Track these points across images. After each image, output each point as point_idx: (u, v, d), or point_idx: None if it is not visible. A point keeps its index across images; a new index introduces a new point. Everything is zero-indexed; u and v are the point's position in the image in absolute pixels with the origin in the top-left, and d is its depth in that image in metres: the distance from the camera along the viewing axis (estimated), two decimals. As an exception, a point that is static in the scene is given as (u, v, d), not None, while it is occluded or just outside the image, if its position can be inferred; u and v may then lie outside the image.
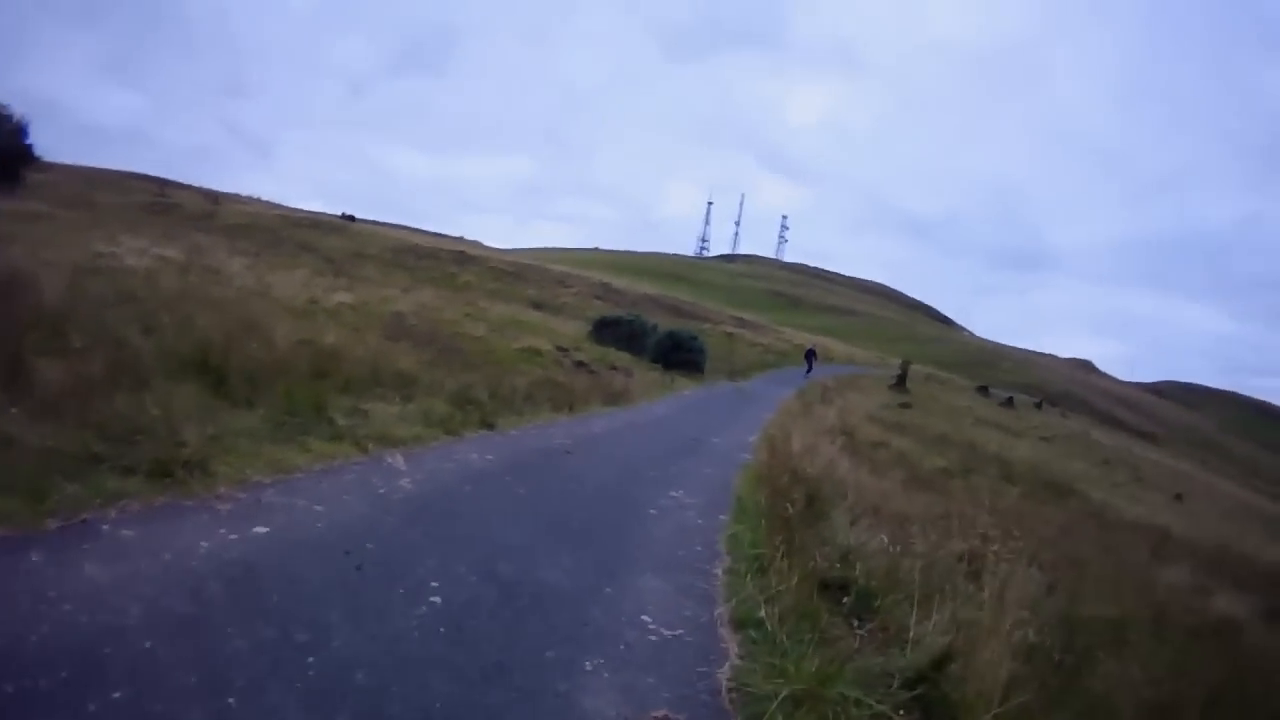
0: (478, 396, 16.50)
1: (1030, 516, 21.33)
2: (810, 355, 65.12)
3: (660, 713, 5.88)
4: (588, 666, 6.29)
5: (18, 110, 39.66)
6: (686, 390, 34.15)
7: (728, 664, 6.84)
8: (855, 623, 8.21)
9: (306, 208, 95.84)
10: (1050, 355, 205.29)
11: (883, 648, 7.45)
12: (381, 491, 9.50)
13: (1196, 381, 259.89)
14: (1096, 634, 11.98)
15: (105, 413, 8.46)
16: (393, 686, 5.31)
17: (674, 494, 13.31)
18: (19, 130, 39.55)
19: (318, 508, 8.34)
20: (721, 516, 12.28)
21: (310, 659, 5.37)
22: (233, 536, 7.07)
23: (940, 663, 6.97)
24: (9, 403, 8.11)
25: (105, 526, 6.66)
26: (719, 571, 9.43)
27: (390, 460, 10.93)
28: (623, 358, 35.29)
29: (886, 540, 10.82)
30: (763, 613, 7.76)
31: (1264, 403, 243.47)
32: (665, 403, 28.04)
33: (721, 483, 15.10)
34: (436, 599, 6.75)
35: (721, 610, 8.03)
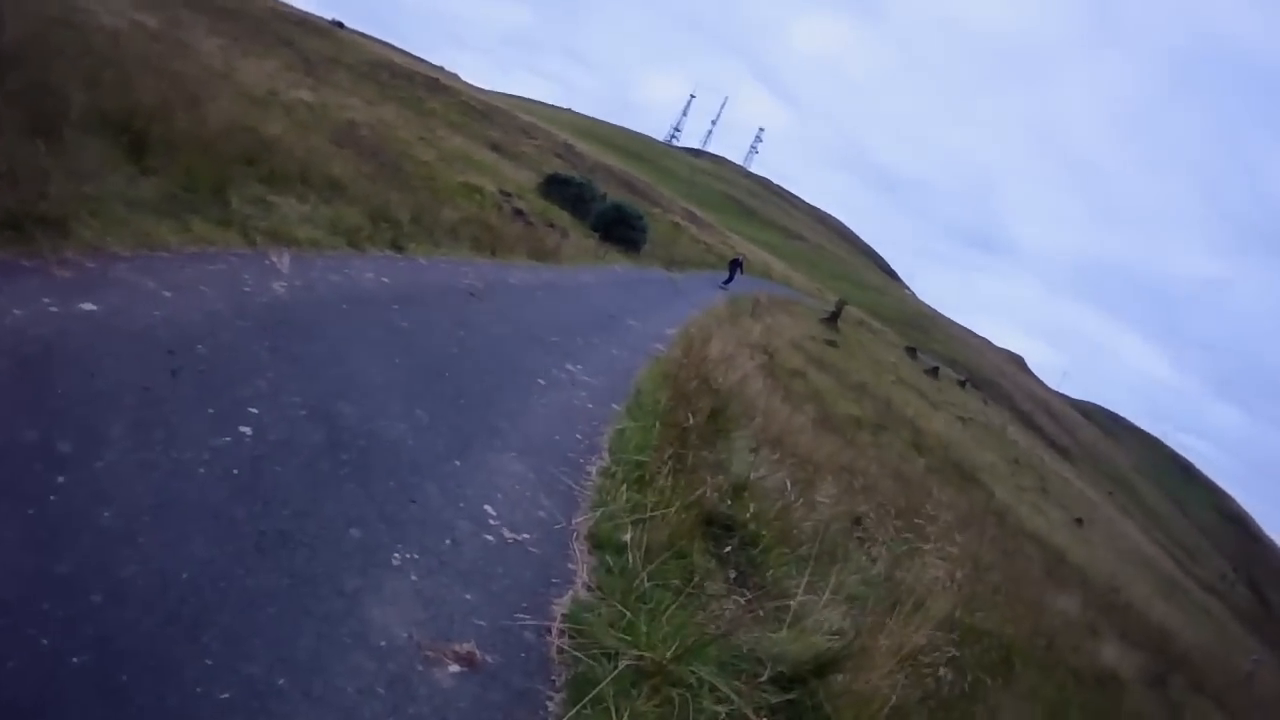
0: (397, 216, 15.43)
1: (933, 496, 21.09)
2: (735, 265, 55.01)
3: (465, 647, 4.88)
4: (395, 560, 5.33)
5: None
6: (618, 266, 32.98)
7: (569, 594, 5.90)
8: (732, 574, 7.50)
9: (299, 5, 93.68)
10: (985, 340, 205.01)
11: (759, 619, 6.66)
12: (247, 290, 8.58)
13: (1123, 415, 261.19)
14: (987, 653, 11.57)
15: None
16: (141, 536, 4.34)
17: (571, 367, 12.41)
18: None
19: (165, 294, 7.43)
20: (615, 406, 11.38)
21: (60, 478, 4.43)
22: (53, 309, 6.17)
23: (824, 667, 6.15)
24: None
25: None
26: (593, 470, 8.46)
27: (274, 259, 9.94)
28: (563, 218, 34.13)
29: (785, 482, 10.25)
30: (629, 536, 6.85)
31: (1183, 458, 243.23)
32: (593, 272, 26.84)
33: (626, 369, 14.19)
34: (246, 429, 5.80)
35: (582, 520, 7.12)
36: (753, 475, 9.79)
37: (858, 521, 12.69)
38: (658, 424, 10.71)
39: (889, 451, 25.65)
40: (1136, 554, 63.20)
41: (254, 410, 6.08)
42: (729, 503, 8.49)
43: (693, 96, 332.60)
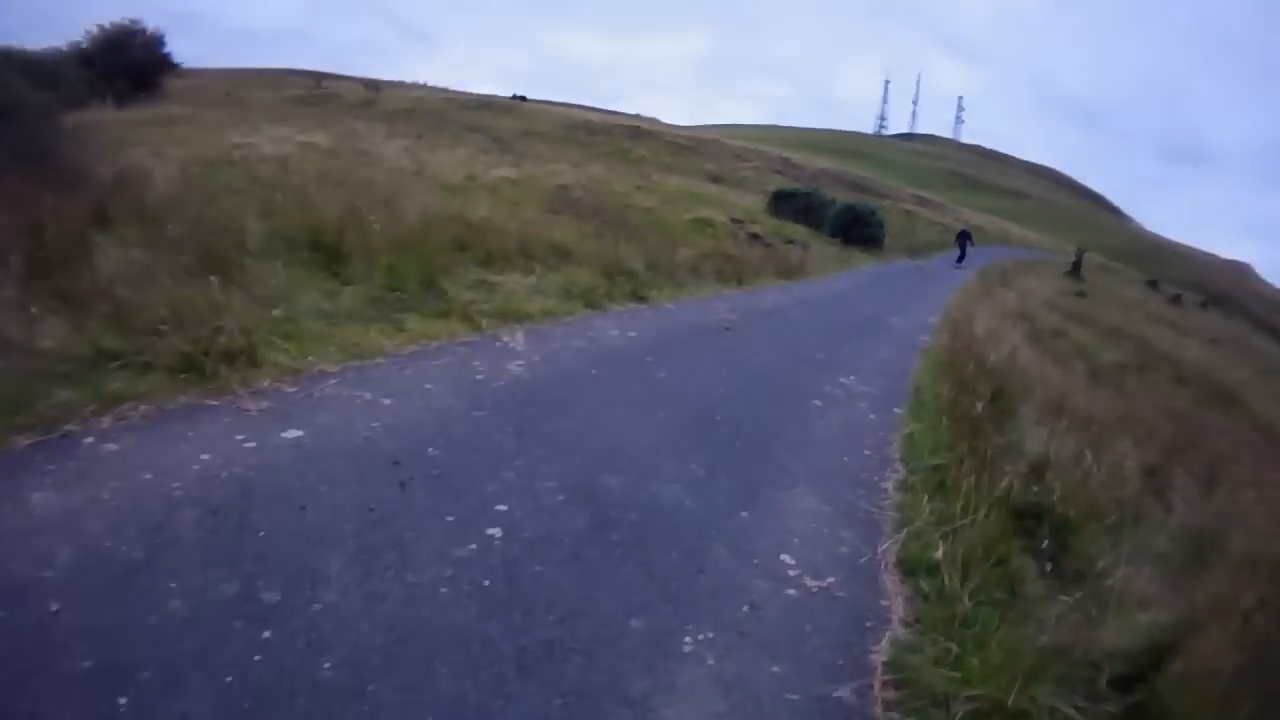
0: (631, 266, 14.71)
1: (1206, 425, 20.15)
2: (964, 238, 49.37)
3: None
4: (686, 646, 4.39)
5: (152, 25, 39.52)
6: (865, 266, 32.33)
7: (886, 636, 4.94)
8: (1049, 566, 6.39)
9: (477, 90, 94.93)
10: (1210, 254, 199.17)
11: (1084, 613, 5.57)
12: (480, 378, 7.86)
13: None
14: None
15: (147, 302, 6.93)
16: (371, 684, 3.53)
17: (844, 380, 11.35)
18: (154, 42, 39.37)
19: (385, 401, 6.78)
20: (897, 410, 10.33)
21: (266, 633, 3.68)
22: (248, 445, 5.50)
23: (1159, 656, 5.00)
24: (27, 301, 6.66)
25: (89, 440, 5.23)
26: (889, 486, 7.48)
27: (506, 339, 9.33)
28: (799, 231, 33.72)
29: (1079, 450, 9.23)
30: (939, 553, 5.83)
31: None
32: (842, 278, 26.09)
33: (899, 369, 13.17)
34: (495, 531, 4.99)
35: (888, 546, 6.08)
36: (1046, 449, 8.82)
37: (1151, 473, 11.50)
38: (944, 419, 9.81)
39: (1156, 391, 24.23)
40: None
41: (502, 507, 5.33)
42: (1034, 489, 7.39)
43: (888, 81, 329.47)
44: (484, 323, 9.68)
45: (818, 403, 9.85)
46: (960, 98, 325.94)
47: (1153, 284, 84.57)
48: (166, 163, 14.08)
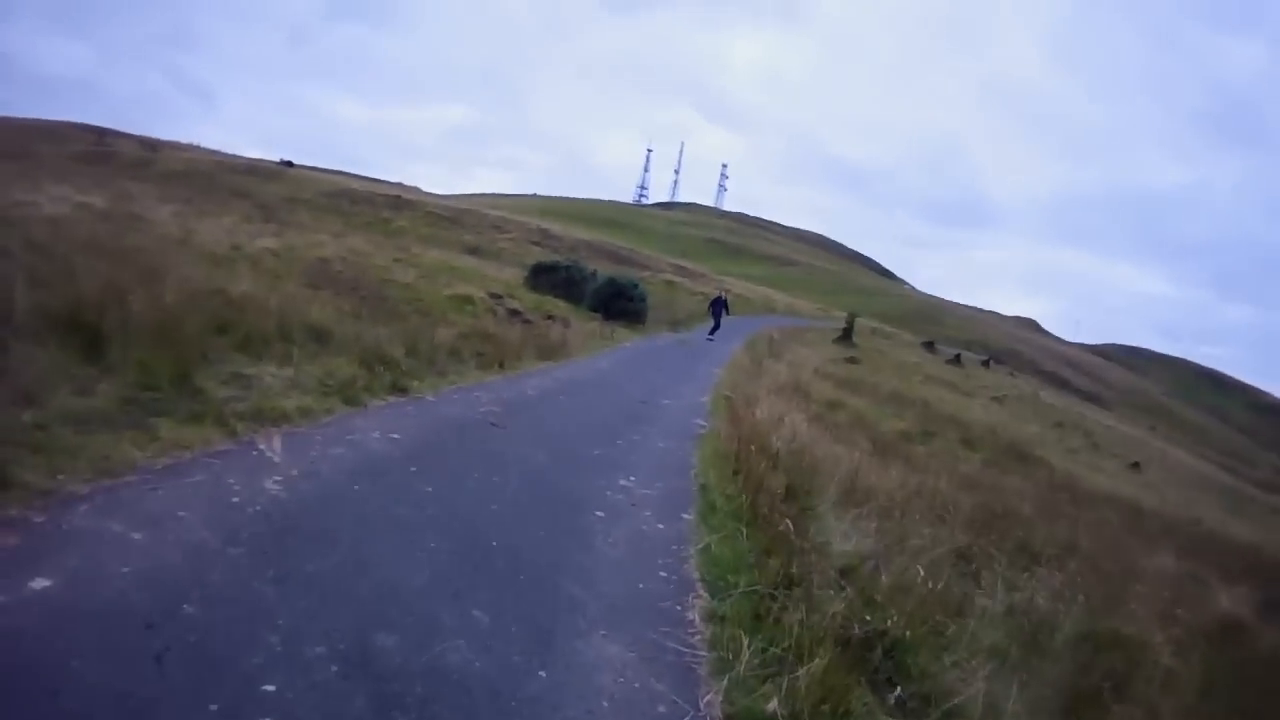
0: (391, 354, 13.97)
1: (1004, 490, 21.18)
2: (718, 306, 45.37)
3: None
4: None
5: None
6: (628, 342, 31.98)
7: None
8: (893, 698, 6.16)
9: (250, 155, 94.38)
10: (993, 313, 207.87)
11: None
12: (235, 501, 6.98)
13: (1141, 345, 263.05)
14: (1132, 662, 10.59)
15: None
16: None
17: (624, 482, 10.81)
18: None
19: (135, 536, 5.94)
20: (686, 515, 9.85)
21: None
22: None
23: None
24: None
25: None
26: (696, 617, 6.91)
27: (263, 447, 8.34)
28: (560, 306, 33.35)
29: (887, 546, 9.31)
30: (773, 705, 5.43)
31: (1209, 369, 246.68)
32: (606, 356, 25.63)
33: (679, 462, 12.78)
34: None
35: (710, 698, 5.63)
36: (854, 546, 9.00)
37: (964, 557, 11.74)
38: (742, 527, 9.34)
39: (946, 458, 25.11)
40: (1196, 477, 63.56)
41: (270, 687, 4.55)
42: (866, 617, 7.12)
43: (650, 150, 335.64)
44: (240, 426, 8.75)
45: (600, 513, 9.27)
46: (724, 165, 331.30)
47: (930, 345, 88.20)
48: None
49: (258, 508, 6.95)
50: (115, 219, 22.19)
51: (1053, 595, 10.67)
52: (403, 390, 12.83)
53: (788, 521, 8.57)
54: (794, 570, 7.64)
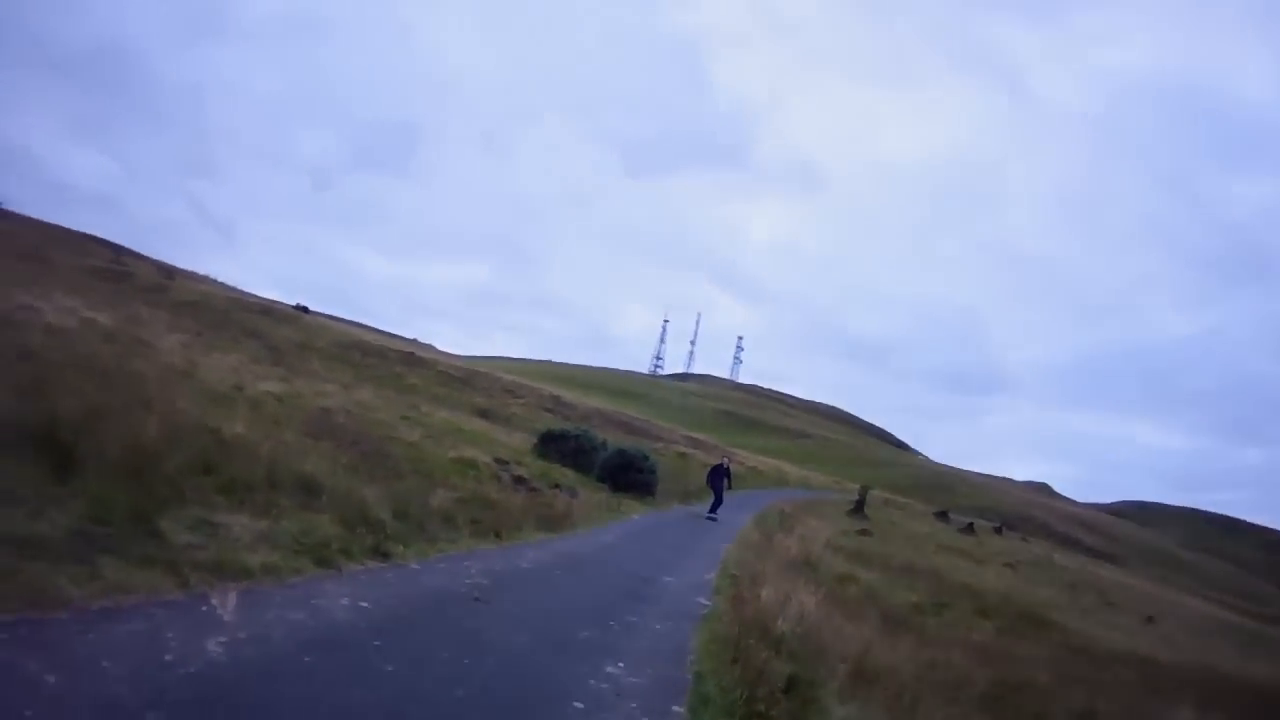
0: (378, 515, 13.12)
1: (1019, 659, 20.87)
2: (719, 477, 39.01)
3: None
4: None
5: None
6: (636, 514, 31.00)
7: None
8: None
9: (264, 294, 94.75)
10: (1006, 479, 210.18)
11: None
12: (168, 659, 6.16)
13: (1153, 499, 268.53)
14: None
15: None
16: None
17: (611, 669, 9.61)
18: None
19: (49, 679, 5.29)
20: (676, 709, 8.77)
21: None
22: None
23: None
24: None
25: None
26: None
27: (215, 602, 7.46)
28: (568, 475, 32.52)
29: None
30: None
31: (1221, 515, 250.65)
32: (612, 529, 24.61)
33: (675, 647, 11.71)
34: None
35: None
36: None
37: None
38: None
39: (959, 628, 24.90)
40: (1210, 624, 62.97)
41: None
42: None
43: (667, 321, 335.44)
44: (194, 577, 7.94)
45: (579, 705, 8.11)
46: (740, 337, 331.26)
47: (943, 515, 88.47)
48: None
49: (191, 670, 6.16)
50: (120, 340, 22.09)
51: None
52: (385, 555, 11.88)
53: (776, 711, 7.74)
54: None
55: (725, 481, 38.92)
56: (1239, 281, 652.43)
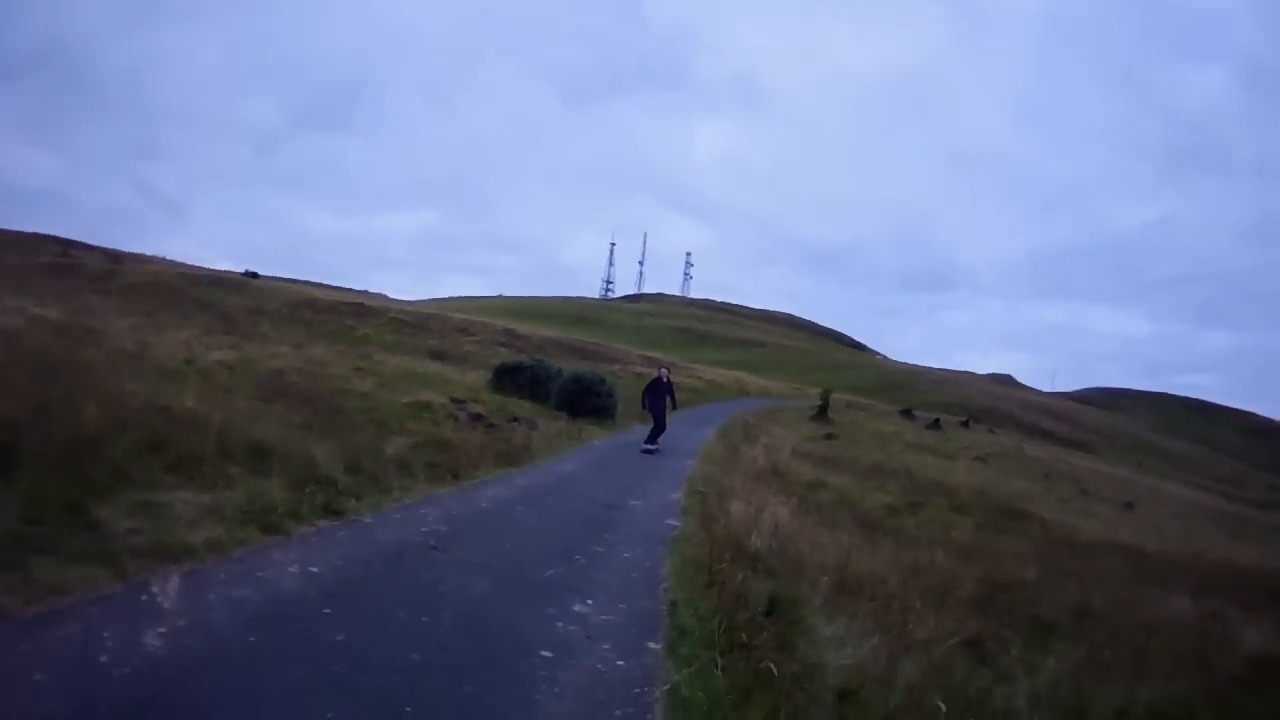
0: (328, 473, 12.71)
1: (1003, 555, 20.92)
2: (658, 395, 31.21)
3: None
4: None
5: None
6: (597, 440, 30.48)
7: None
8: None
9: (216, 267, 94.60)
10: (968, 373, 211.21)
11: None
12: (104, 660, 5.83)
13: (1121, 386, 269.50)
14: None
15: None
16: None
17: (579, 608, 9.24)
18: None
19: None
20: (652, 645, 8.39)
21: None
22: None
23: None
24: None
25: None
26: None
27: (154, 590, 7.03)
28: (525, 407, 32.27)
29: (892, 650, 8.30)
30: None
31: (1192, 399, 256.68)
32: (572, 458, 24.00)
33: (646, 577, 11.33)
34: None
35: None
36: (855, 658, 7.82)
37: (974, 643, 10.97)
38: (717, 657, 8.01)
39: (937, 527, 24.76)
40: (1191, 509, 64.15)
41: None
42: None
43: (614, 244, 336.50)
44: (132, 565, 7.57)
45: (546, 653, 7.69)
46: (688, 254, 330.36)
47: (907, 412, 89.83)
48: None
49: (126, 670, 5.81)
50: (70, 332, 21.59)
51: (1077, 671, 10.26)
52: (337, 513, 11.49)
53: (769, 662, 7.39)
54: (782, 716, 6.57)
55: (668, 400, 30.96)
56: (1192, 169, 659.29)
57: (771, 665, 7.21)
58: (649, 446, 28.71)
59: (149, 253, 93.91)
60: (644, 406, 31.54)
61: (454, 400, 28.29)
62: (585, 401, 35.75)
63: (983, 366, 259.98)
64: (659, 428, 30.01)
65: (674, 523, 15.48)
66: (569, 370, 41.57)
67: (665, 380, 31.59)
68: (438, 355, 54.65)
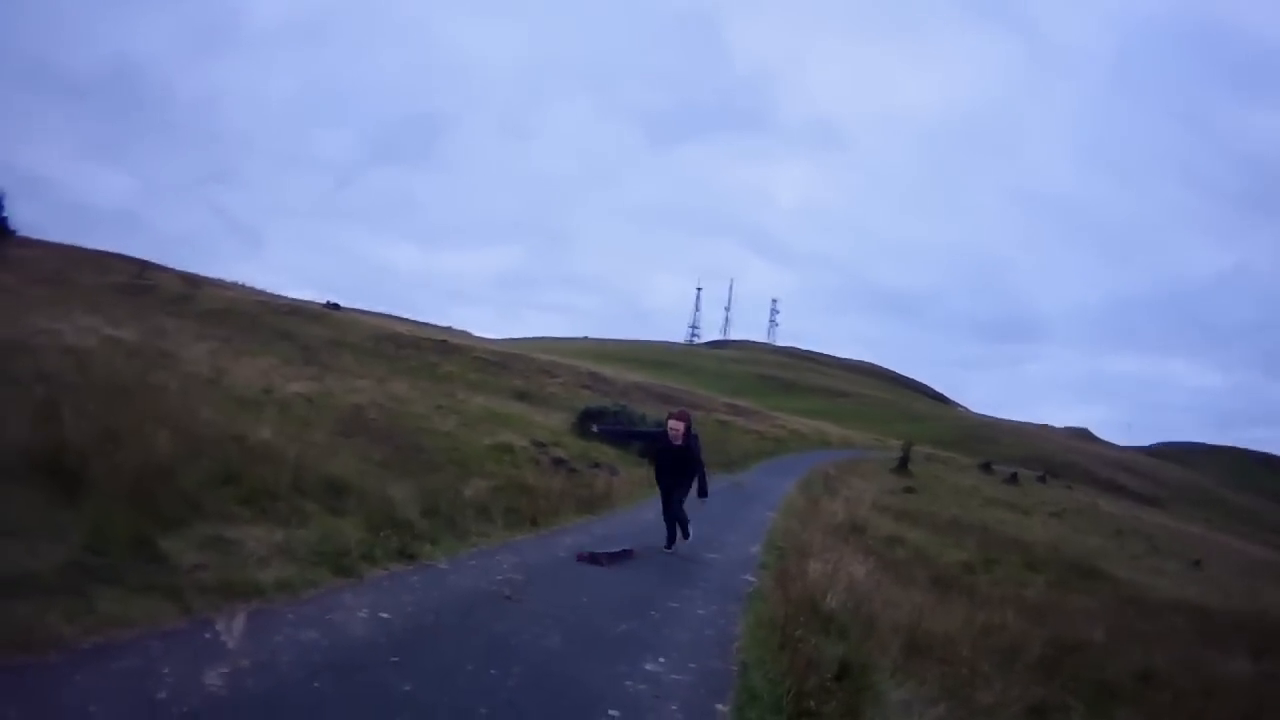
0: (404, 514, 12.53)
1: (1072, 614, 20.95)
2: (681, 458, 16.86)
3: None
4: None
5: None
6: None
7: None
8: None
9: (293, 295, 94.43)
10: (1046, 426, 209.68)
11: None
12: (162, 697, 5.65)
13: (1193, 439, 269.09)
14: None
15: None
16: None
17: (651, 667, 8.85)
18: None
19: None
20: (720, 707, 8.03)
21: None
22: None
23: None
24: None
25: None
26: None
27: (220, 627, 6.80)
28: (607, 453, 31.93)
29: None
30: None
31: (1262, 453, 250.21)
32: (653, 505, 23.24)
33: (719, 634, 10.94)
34: None
35: None
36: None
37: (1037, 711, 11.04)
38: None
39: (1009, 585, 24.80)
40: (1256, 565, 63.21)
41: None
42: None
43: (700, 289, 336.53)
44: (197, 602, 7.42)
45: (614, 713, 7.35)
46: (774, 300, 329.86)
47: (986, 466, 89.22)
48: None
49: (184, 708, 5.62)
50: (143, 354, 21.67)
51: None
52: (411, 557, 11.34)
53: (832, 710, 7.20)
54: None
55: (692, 467, 16.94)
56: (1262, 214, 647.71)
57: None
58: (667, 550, 16.78)
59: (226, 278, 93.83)
60: (658, 479, 17.69)
61: (536, 443, 28.17)
62: (667, 449, 35.39)
63: (1060, 419, 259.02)
64: (672, 519, 17.05)
65: (750, 578, 15.12)
66: (653, 416, 41.43)
67: (681, 440, 16.96)
68: (521, 396, 54.56)
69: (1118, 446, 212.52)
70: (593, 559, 13.89)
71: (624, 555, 15.01)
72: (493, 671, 7.72)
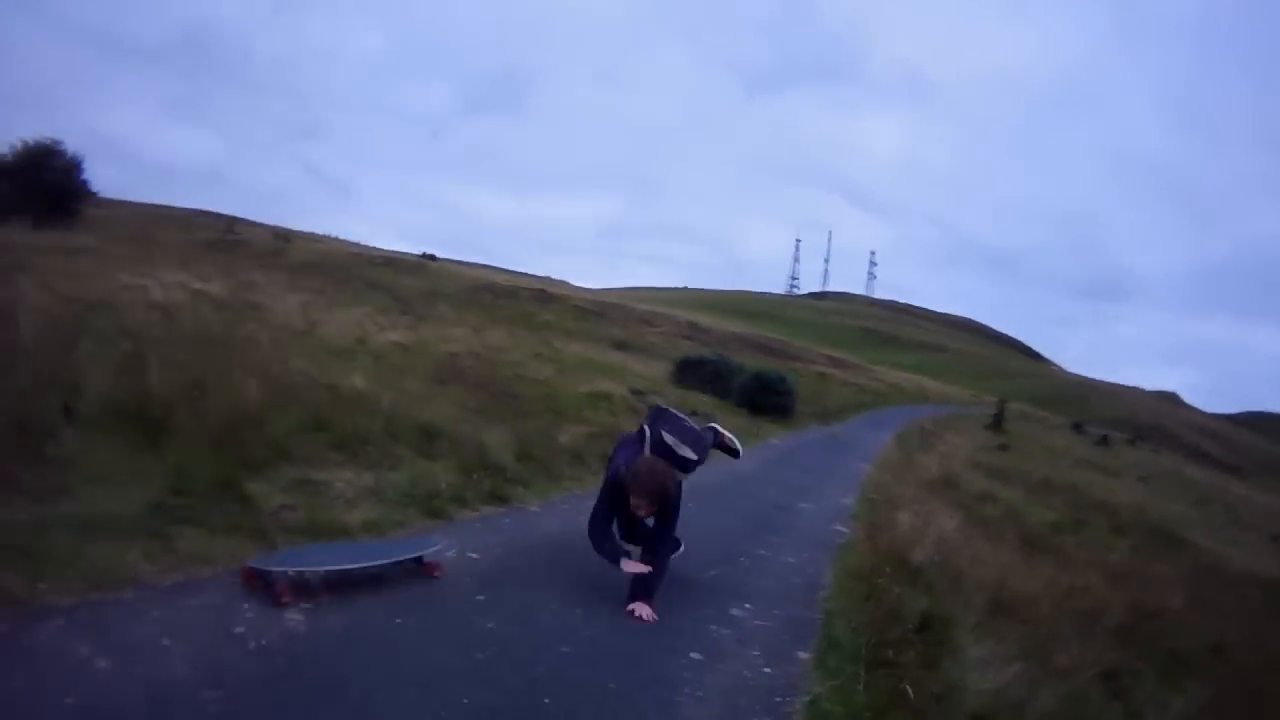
0: (497, 458, 12.46)
1: (1154, 581, 20.75)
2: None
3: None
4: None
5: (73, 147, 38.64)
6: (774, 438, 29.95)
7: None
8: None
9: (387, 248, 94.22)
10: (1136, 388, 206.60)
11: None
12: (239, 632, 5.69)
13: (1277, 410, 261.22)
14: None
15: None
16: None
17: (736, 611, 8.80)
18: (72, 167, 38.33)
19: (100, 664, 4.92)
20: (801, 654, 7.91)
21: None
22: None
23: None
24: None
25: None
26: None
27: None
28: (705, 402, 32.00)
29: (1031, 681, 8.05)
30: None
31: None
32: (748, 454, 23.44)
33: (807, 582, 10.78)
34: None
35: None
36: (995, 683, 7.58)
37: (1110, 677, 10.81)
38: (861, 673, 7.66)
39: (1095, 548, 24.45)
40: None
41: None
42: None
43: (799, 240, 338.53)
44: (281, 541, 7.48)
45: (696, 655, 7.27)
46: (873, 252, 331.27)
47: (1078, 427, 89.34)
48: (45, 298, 13.14)
49: (263, 642, 5.66)
50: (232, 308, 21.59)
51: (1202, 713, 10.08)
52: (503, 499, 11.33)
53: (909, 682, 7.09)
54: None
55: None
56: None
57: (908, 687, 7.09)
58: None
59: (318, 231, 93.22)
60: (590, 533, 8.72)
61: (634, 391, 28.01)
62: (765, 399, 35.50)
63: (1148, 381, 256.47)
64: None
65: (842, 529, 14.98)
66: (752, 367, 41.23)
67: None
68: (620, 345, 54.31)
69: (1204, 413, 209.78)
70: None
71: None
72: (576, 610, 7.69)
